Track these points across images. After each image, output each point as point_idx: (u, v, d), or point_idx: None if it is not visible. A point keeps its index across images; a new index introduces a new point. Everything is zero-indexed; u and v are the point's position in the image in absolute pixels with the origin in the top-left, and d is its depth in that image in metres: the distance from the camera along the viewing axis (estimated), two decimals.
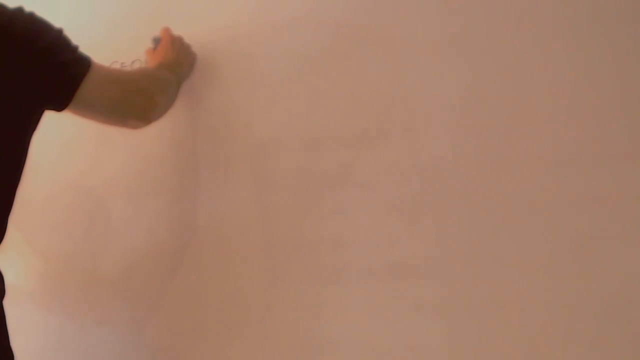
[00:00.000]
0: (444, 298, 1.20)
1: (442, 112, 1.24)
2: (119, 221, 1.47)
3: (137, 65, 1.45)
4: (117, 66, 1.45)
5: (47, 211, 1.51)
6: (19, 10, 1.05)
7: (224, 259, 1.37)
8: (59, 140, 1.48)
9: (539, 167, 1.17)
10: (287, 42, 1.36)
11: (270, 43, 1.37)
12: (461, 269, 1.20)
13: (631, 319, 1.10)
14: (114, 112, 1.20)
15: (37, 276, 1.51)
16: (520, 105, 1.19)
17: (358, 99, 1.30)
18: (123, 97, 1.19)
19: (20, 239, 1.48)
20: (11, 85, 1.02)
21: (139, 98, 1.21)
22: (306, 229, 1.31)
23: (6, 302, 1.10)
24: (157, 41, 1.40)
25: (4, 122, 1.04)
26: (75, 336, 1.47)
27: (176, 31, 1.42)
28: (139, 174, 1.46)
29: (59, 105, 1.11)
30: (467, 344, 1.19)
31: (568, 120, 1.16)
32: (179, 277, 1.40)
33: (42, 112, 1.11)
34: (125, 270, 1.45)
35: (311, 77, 1.33)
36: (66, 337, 1.48)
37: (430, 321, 1.21)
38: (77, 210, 1.51)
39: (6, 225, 1.09)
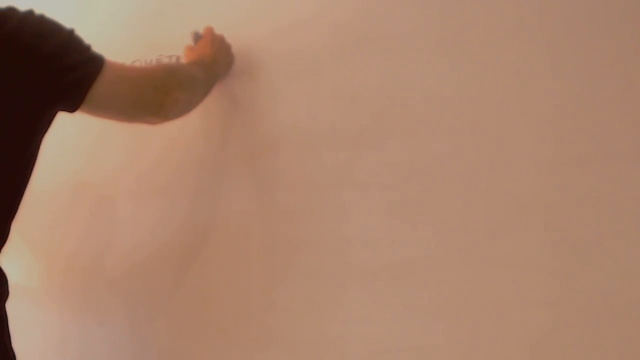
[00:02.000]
0: (444, 298, 1.20)
1: (442, 112, 1.24)
2: (120, 221, 1.47)
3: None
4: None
5: (47, 211, 1.51)
6: (29, 14, 1.04)
7: (224, 259, 1.37)
8: (60, 139, 1.47)
9: (539, 167, 1.17)
10: (287, 42, 1.36)
11: (270, 43, 1.37)
12: (461, 269, 1.20)
13: (631, 319, 1.10)
14: (129, 110, 1.18)
15: (38, 276, 1.51)
16: (520, 105, 1.19)
17: (358, 99, 1.30)
18: (137, 95, 1.16)
19: (20, 239, 1.48)
20: (20, 89, 1.01)
21: (155, 94, 1.18)
22: (306, 229, 1.31)
23: (7, 303, 1.10)
24: (197, 37, 1.38)
25: (12, 124, 1.03)
26: (76, 336, 1.47)
27: (168, 28, 1.41)
28: (140, 174, 1.46)
29: (70, 107, 1.09)
30: (467, 343, 1.19)
31: (568, 120, 1.16)
32: (180, 277, 1.41)
33: (54, 114, 1.09)
34: (126, 270, 1.45)
35: (311, 77, 1.33)
36: (67, 337, 1.48)
37: (429, 321, 1.21)
38: (78, 209, 1.51)
39: (9, 228, 1.09)
